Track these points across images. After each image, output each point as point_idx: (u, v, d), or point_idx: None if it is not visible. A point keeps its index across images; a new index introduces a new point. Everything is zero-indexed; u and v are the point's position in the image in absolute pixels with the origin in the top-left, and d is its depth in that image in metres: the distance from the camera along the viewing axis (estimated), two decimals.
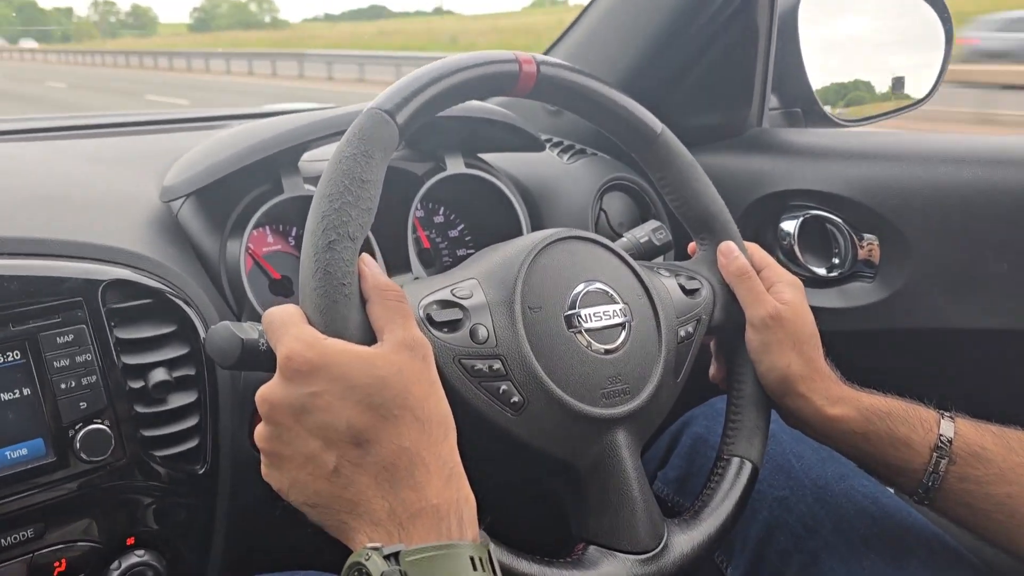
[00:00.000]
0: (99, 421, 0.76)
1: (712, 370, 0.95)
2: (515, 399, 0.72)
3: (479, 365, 0.71)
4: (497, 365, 0.71)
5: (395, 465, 0.58)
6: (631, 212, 1.22)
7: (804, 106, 1.32)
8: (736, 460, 0.86)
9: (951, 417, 0.84)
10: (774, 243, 1.17)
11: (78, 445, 0.75)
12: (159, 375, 0.80)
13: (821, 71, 1.33)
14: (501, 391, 0.71)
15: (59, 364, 0.75)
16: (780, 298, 0.87)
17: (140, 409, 0.79)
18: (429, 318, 0.70)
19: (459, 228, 1.18)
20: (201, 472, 0.82)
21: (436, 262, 1.16)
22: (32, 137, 1.17)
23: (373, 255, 1.00)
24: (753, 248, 0.92)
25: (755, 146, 1.20)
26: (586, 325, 0.76)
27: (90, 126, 1.23)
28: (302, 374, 0.59)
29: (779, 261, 1.15)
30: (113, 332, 0.79)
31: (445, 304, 0.72)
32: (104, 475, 0.77)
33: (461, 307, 0.72)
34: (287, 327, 0.62)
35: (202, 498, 0.84)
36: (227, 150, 0.91)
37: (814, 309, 1.10)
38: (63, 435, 0.75)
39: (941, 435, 0.82)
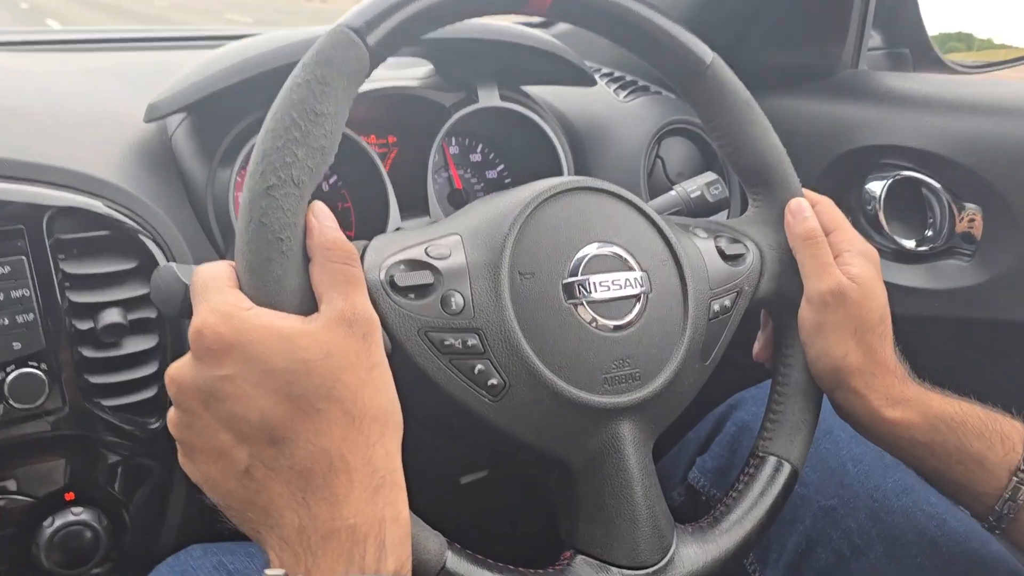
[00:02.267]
0: (34, 364, 0.68)
1: (756, 346, 0.82)
2: (493, 381, 0.60)
3: (450, 340, 0.59)
4: (473, 340, 0.60)
5: (311, 471, 0.48)
6: (693, 161, 1.07)
7: (914, 47, 1.13)
8: (772, 460, 0.73)
9: None
10: (857, 207, 1.00)
11: (6, 390, 0.68)
12: (111, 316, 0.71)
13: (940, 6, 1.13)
14: (477, 371, 0.60)
15: None
16: (848, 271, 0.72)
17: (87, 353, 0.72)
18: (391, 281, 0.59)
19: (498, 168, 1.06)
20: (155, 426, 0.74)
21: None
22: (26, 49, 1.10)
23: (385, 196, 0.90)
24: (823, 204, 0.77)
25: (846, 91, 1.03)
26: (590, 296, 0.63)
27: (93, 40, 1.15)
28: (213, 353, 0.49)
29: (859, 229, 0.99)
30: (59, 266, 0.71)
31: (414, 264, 0.61)
32: (40, 423, 0.70)
33: (433, 269, 0.61)
34: (207, 292, 0.52)
35: (157, 457, 0.76)
36: (217, 65, 0.81)
37: (895, 288, 0.95)
38: None
39: None
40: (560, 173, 1.00)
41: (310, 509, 0.47)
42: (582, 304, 0.63)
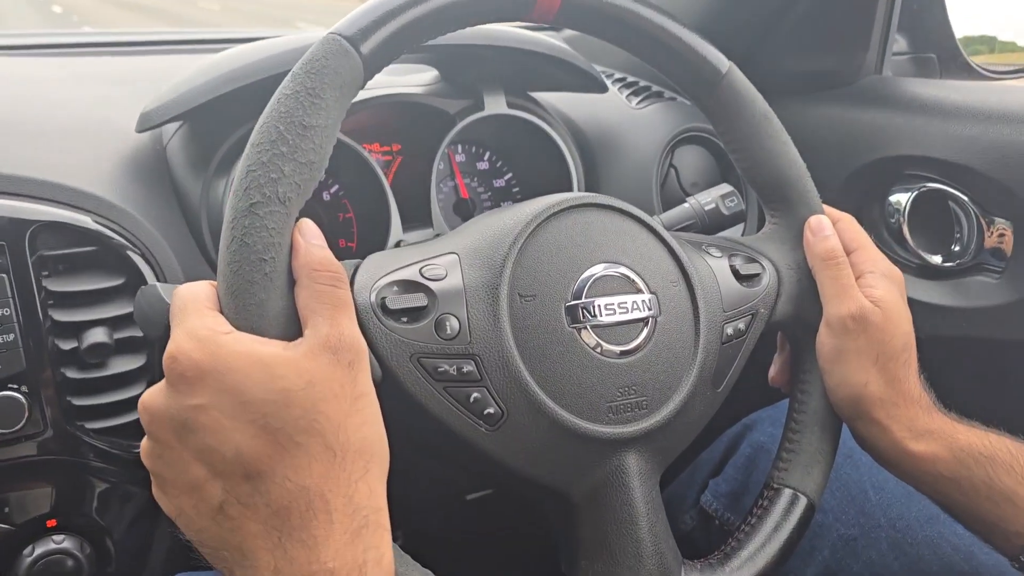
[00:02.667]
0: (14, 387, 0.66)
1: (772, 370, 0.78)
2: (490, 410, 0.57)
3: (444, 366, 0.56)
4: (469, 367, 0.56)
5: (288, 510, 0.45)
6: (709, 171, 1.03)
7: (941, 52, 1.08)
8: (788, 492, 0.69)
9: None
10: (880, 220, 0.96)
11: None
12: (96, 335, 0.68)
13: (968, 9, 1.08)
14: (472, 399, 0.56)
15: None
16: (870, 294, 0.68)
17: (70, 374, 0.69)
18: (383, 304, 0.56)
19: (506, 177, 1.03)
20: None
21: (476, 215, 1.01)
22: (17, 53, 1.08)
23: (386, 207, 0.87)
24: (845, 222, 0.73)
25: (869, 98, 0.98)
26: (595, 320, 0.60)
27: (87, 44, 1.12)
28: (187, 381, 0.46)
29: (882, 243, 0.95)
30: (43, 283, 0.68)
31: (408, 286, 0.57)
32: (22, 447, 0.67)
33: (427, 291, 0.57)
34: (185, 314, 0.49)
35: (142, 483, 0.73)
36: (210, 73, 0.78)
37: (919, 305, 0.90)
38: None
39: None
40: (569, 182, 0.96)
41: (286, 551, 0.44)
42: (586, 328, 0.59)
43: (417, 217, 0.91)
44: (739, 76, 0.69)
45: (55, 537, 0.70)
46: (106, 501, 0.74)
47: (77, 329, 0.69)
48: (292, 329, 0.50)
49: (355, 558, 0.45)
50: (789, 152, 0.71)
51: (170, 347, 0.47)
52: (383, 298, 0.56)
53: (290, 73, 0.53)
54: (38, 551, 0.70)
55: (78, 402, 0.69)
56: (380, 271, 0.58)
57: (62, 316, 0.68)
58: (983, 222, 0.88)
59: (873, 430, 0.68)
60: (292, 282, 0.51)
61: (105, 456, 0.71)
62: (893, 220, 0.94)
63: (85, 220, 0.70)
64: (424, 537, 1.25)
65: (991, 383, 0.92)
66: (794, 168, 0.72)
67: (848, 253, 0.70)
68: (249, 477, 0.45)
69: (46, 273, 0.68)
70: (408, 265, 0.59)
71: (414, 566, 0.54)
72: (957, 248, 0.91)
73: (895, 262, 0.94)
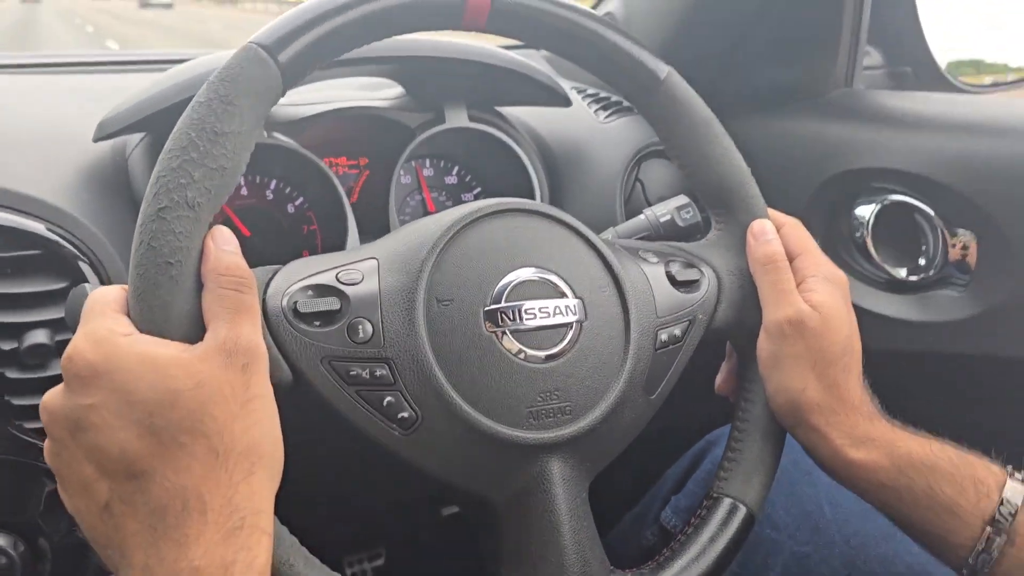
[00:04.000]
0: None
1: (719, 379, 0.77)
2: (404, 414, 0.57)
3: (356, 369, 0.56)
4: (382, 371, 0.56)
5: (166, 508, 0.45)
6: (676, 186, 1.01)
7: (916, 65, 1.07)
8: (727, 502, 0.68)
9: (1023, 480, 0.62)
10: (846, 233, 0.95)
11: None
12: (36, 337, 0.69)
13: (944, 23, 1.07)
14: (385, 403, 0.56)
15: None
16: (810, 298, 0.67)
17: (10, 374, 0.70)
18: (294, 308, 0.56)
19: (475, 191, 1.03)
20: None
21: None
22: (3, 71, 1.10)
23: (343, 218, 0.87)
24: (790, 226, 0.72)
25: (837, 110, 0.98)
26: (514, 324, 0.59)
27: (57, 64, 1.15)
28: (81, 380, 0.47)
29: (848, 257, 0.94)
30: None
31: (322, 290, 0.57)
32: None
33: (341, 295, 0.57)
34: (90, 316, 0.50)
35: None
36: (165, 83, 0.80)
37: (884, 320, 0.89)
38: None
39: (1003, 503, 0.61)
40: (532, 196, 0.96)
41: (159, 549, 0.45)
42: (506, 333, 0.59)
43: (380, 231, 0.91)
44: (678, 81, 0.69)
45: None
46: (51, 502, 0.74)
47: (18, 330, 0.70)
48: (196, 332, 0.51)
49: (224, 557, 0.45)
50: (731, 157, 0.71)
51: (68, 348, 0.48)
52: (295, 302, 0.56)
53: (206, 82, 0.54)
54: None
55: (17, 401, 0.70)
56: (296, 276, 0.58)
57: (3, 317, 0.70)
58: (947, 235, 0.86)
59: (813, 437, 0.66)
60: (200, 287, 0.52)
61: (40, 455, 0.71)
62: (858, 234, 0.93)
63: (33, 225, 0.71)
64: (409, 552, 1.25)
65: (955, 398, 0.90)
66: (737, 174, 0.71)
67: (792, 258, 0.70)
68: (132, 476, 0.46)
69: None
70: (325, 271, 0.59)
71: (321, 569, 0.54)
72: (923, 261, 0.89)
73: (860, 276, 0.93)
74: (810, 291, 0.68)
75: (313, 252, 0.94)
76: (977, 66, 1.17)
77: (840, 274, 0.70)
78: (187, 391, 0.46)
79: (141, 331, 0.49)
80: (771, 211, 0.72)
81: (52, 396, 0.49)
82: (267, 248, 0.92)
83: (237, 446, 0.47)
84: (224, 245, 0.52)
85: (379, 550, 1.21)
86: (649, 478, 0.99)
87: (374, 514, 1.12)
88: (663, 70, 0.68)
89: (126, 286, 0.53)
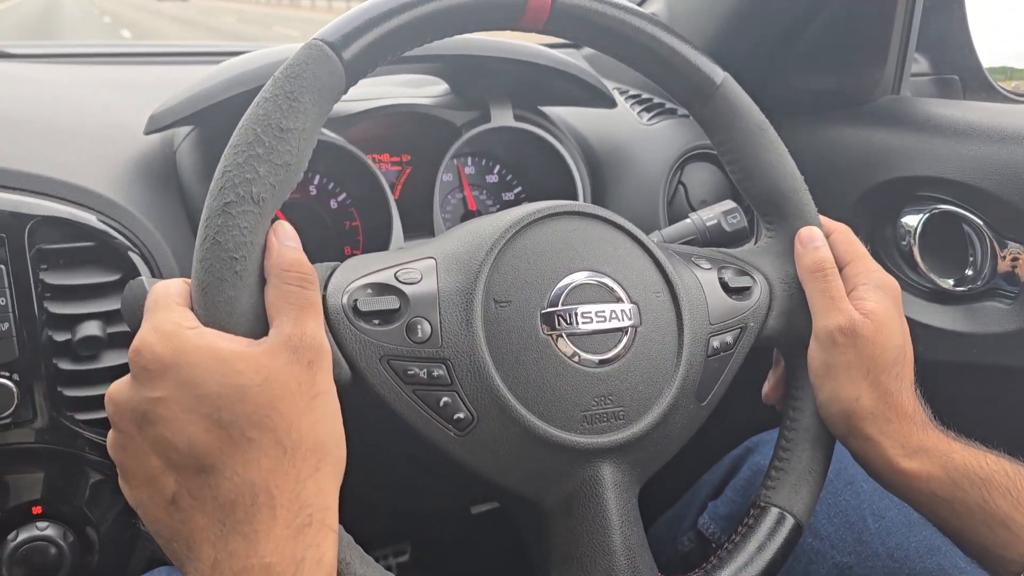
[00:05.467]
0: (5, 375, 0.67)
1: (766, 387, 0.76)
2: (460, 415, 0.56)
3: (414, 369, 0.56)
4: (439, 371, 0.56)
5: (234, 503, 0.45)
6: (719, 189, 1.01)
7: (964, 73, 1.05)
8: (774, 512, 0.67)
9: None
10: (891, 242, 0.94)
11: None
12: (89, 328, 0.70)
13: (994, 30, 1.06)
14: (442, 403, 0.56)
15: None
16: (861, 306, 0.66)
17: (63, 365, 0.70)
18: (354, 306, 0.56)
19: (516, 191, 1.03)
20: None
21: None
22: (38, 60, 1.11)
23: (387, 214, 0.87)
24: (840, 233, 0.71)
25: (884, 118, 0.96)
26: (572, 327, 0.59)
27: (108, 54, 1.15)
28: (149, 373, 0.47)
29: (894, 266, 0.93)
30: (40, 276, 0.69)
31: (381, 289, 0.57)
32: (16, 433, 0.69)
33: (400, 294, 0.57)
34: (156, 309, 0.50)
35: None
36: (216, 78, 0.80)
37: (930, 330, 0.88)
38: None
39: None
40: (575, 196, 0.96)
41: (227, 544, 0.45)
42: (562, 336, 0.59)
43: (422, 226, 0.92)
44: (734, 87, 0.68)
45: (39, 524, 0.71)
46: (96, 492, 0.75)
47: (71, 322, 0.70)
48: (259, 327, 0.51)
49: (294, 554, 0.45)
50: (785, 164, 0.70)
51: (135, 341, 0.48)
52: (355, 300, 0.56)
53: (271, 77, 0.54)
54: (22, 536, 0.71)
55: (69, 393, 0.71)
56: (355, 274, 0.58)
57: (57, 308, 0.70)
58: (996, 246, 0.85)
59: (865, 446, 0.66)
60: (263, 281, 0.52)
61: (98, 449, 0.72)
62: (904, 243, 0.92)
63: (86, 217, 0.72)
64: (434, 549, 1.25)
65: (1001, 411, 0.89)
66: (789, 180, 0.70)
67: (843, 265, 0.69)
68: (200, 470, 0.46)
69: (44, 266, 0.70)
70: (384, 269, 0.59)
71: (375, 568, 0.54)
72: (970, 272, 0.88)
73: (906, 285, 0.92)
74: (861, 299, 0.67)
75: (355, 248, 0.94)
76: (1009, 73, 1.15)
77: (892, 281, 0.69)
78: (254, 386, 0.46)
79: (205, 325, 0.50)
80: (821, 217, 0.72)
81: (119, 388, 0.49)
82: (309, 243, 0.90)
83: (304, 442, 0.47)
84: (287, 240, 0.52)
85: (404, 546, 1.21)
86: (685, 483, 0.98)
87: (403, 511, 1.12)
88: (719, 75, 0.68)
89: (188, 280, 0.53)
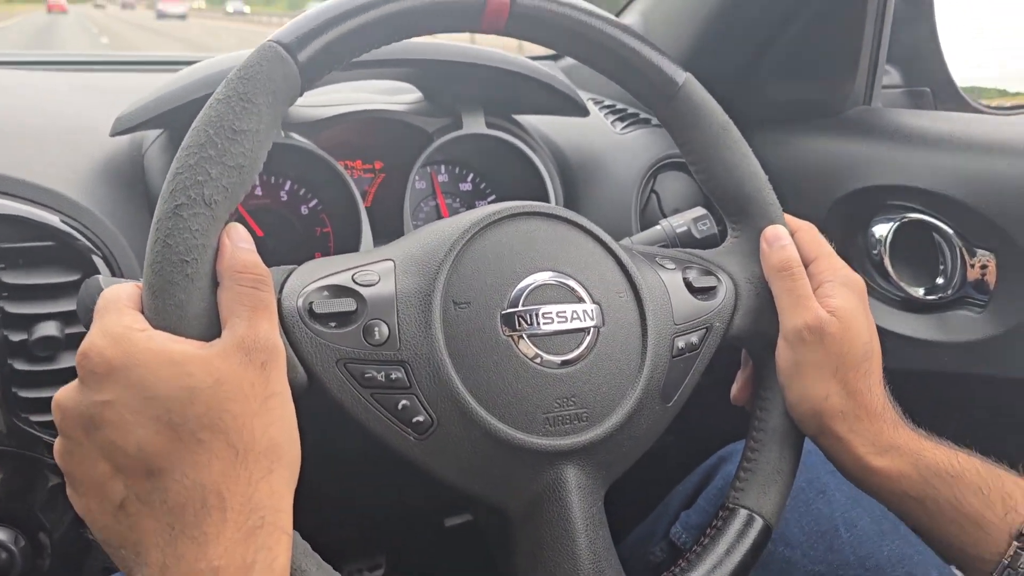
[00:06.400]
0: None
1: (734, 388, 0.75)
2: (419, 418, 0.55)
3: (371, 372, 0.55)
4: (397, 374, 0.55)
5: (184, 506, 0.44)
6: (692, 197, 1.01)
7: (935, 85, 1.06)
8: (743, 513, 0.66)
9: None
10: (863, 251, 0.94)
11: None
12: (46, 328, 0.69)
13: (963, 44, 1.07)
14: (401, 407, 0.55)
15: None
16: (828, 303, 0.66)
17: (18, 366, 0.69)
18: (310, 309, 0.55)
19: (489, 199, 1.02)
20: None
21: None
22: (27, 67, 1.11)
23: (357, 221, 0.87)
24: (805, 231, 0.71)
25: (856, 128, 0.97)
26: (533, 328, 0.58)
27: (98, 62, 1.15)
28: (96, 377, 0.46)
29: (865, 274, 0.93)
30: None
31: (338, 291, 0.56)
32: None
33: (357, 296, 0.56)
34: (105, 312, 0.49)
35: None
36: (182, 81, 0.79)
37: (901, 339, 0.88)
38: None
39: None
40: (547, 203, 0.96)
41: (176, 548, 0.43)
42: (523, 337, 0.58)
43: (394, 234, 0.91)
44: (696, 87, 0.68)
45: None
46: (53, 497, 0.73)
47: (28, 322, 0.69)
48: (212, 330, 0.50)
49: (244, 557, 0.44)
50: (749, 164, 0.70)
51: (84, 344, 0.47)
52: (311, 303, 0.55)
53: (225, 79, 0.53)
54: None
55: (24, 394, 0.69)
56: (312, 276, 0.57)
57: (14, 308, 0.69)
58: (966, 254, 0.86)
59: (836, 445, 0.65)
60: (215, 284, 0.51)
61: (47, 449, 0.71)
62: (875, 251, 0.92)
63: (47, 217, 0.71)
64: (409, 563, 1.24)
65: (972, 419, 0.89)
66: (754, 180, 0.70)
67: (807, 262, 0.69)
68: (150, 473, 0.45)
69: (2, 265, 0.69)
70: (341, 271, 0.58)
71: (325, 569, 0.53)
72: (940, 280, 0.88)
73: (877, 295, 0.92)
74: (827, 296, 0.66)
75: (326, 254, 0.93)
76: (990, 95, 1.17)
77: (856, 278, 0.69)
78: (206, 388, 0.45)
79: (156, 328, 0.48)
80: (786, 216, 0.72)
81: (66, 393, 0.48)
82: (280, 249, 0.91)
83: (257, 444, 0.46)
84: (240, 242, 0.51)
85: (379, 560, 1.20)
86: (658, 493, 0.97)
87: (375, 522, 1.11)
88: (681, 76, 0.68)
89: (139, 283, 0.52)
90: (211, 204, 0.50)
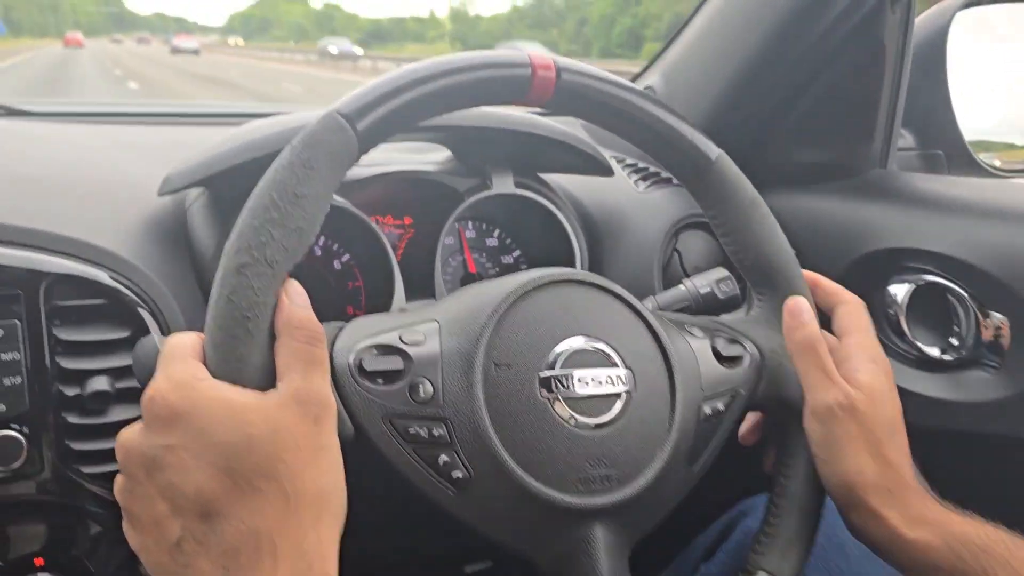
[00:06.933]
0: (15, 427, 0.69)
1: (743, 428, 0.77)
2: (458, 474, 0.58)
3: (415, 428, 0.58)
4: (440, 430, 0.58)
5: (238, 550, 0.47)
6: (712, 256, 1.04)
7: (948, 148, 1.10)
8: None
9: None
10: (879, 311, 0.96)
11: None
12: (98, 384, 0.72)
13: (976, 108, 1.10)
14: (441, 462, 0.58)
15: None
16: (854, 378, 0.68)
17: (72, 419, 0.72)
18: (360, 366, 0.58)
19: (514, 254, 1.06)
20: None
21: None
22: (68, 119, 1.15)
23: (389, 276, 0.90)
24: (851, 306, 0.73)
25: (872, 191, 1.00)
26: (568, 392, 0.61)
27: (125, 114, 1.20)
28: (161, 421, 0.50)
29: (881, 333, 0.95)
30: (53, 332, 0.72)
31: (386, 349, 0.60)
32: (18, 486, 0.70)
33: (404, 355, 0.60)
34: (170, 360, 0.53)
35: None
36: (230, 144, 0.83)
37: (916, 397, 0.91)
38: None
39: None
40: (572, 261, 0.99)
41: None
42: (559, 399, 0.61)
43: (423, 289, 0.94)
44: (728, 163, 0.72)
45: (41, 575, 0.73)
46: (96, 544, 0.76)
47: (81, 376, 0.72)
48: (268, 382, 0.53)
49: None
50: (776, 238, 0.73)
51: (149, 389, 0.51)
52: (361, 359, 0.58)
53: (288, 145, 0.57)
54: None
55: (77, 446, 0.72)
56: (361, 334, 0.61)
57: (68, 363, 0.72)
58: (980, 316, 0.88)
59: (868, 519, 0.66)
60: (273, 338, 0.54)
61: (99, 501, 0.73)
62: (891, 311, 0.95)
63: (99, 275, 0.74)
64: None
65: (988, 478, 0.91)
66: (781, 254, 0.73)
67: (842, 336, 0.71)
68: (206, 516, 0.48)
69: (57, 322, 0.72)
70: (389, 330, 0.61)
71: None
72: (955, 341, 0.91)
73: (893, 353, 0.95)
74: (855, 371, 0.69)
75: (357, 308, 0.96)
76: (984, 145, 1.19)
77: (883, 357, 0.71)
78: (263, 436, 0.49)
79: (217, 378, 0.52)
80: (835, 287, 0.74)
81: (130, 434, 0.51)
82: (312, 303, 0.94)
83: (308, 493, 0.49)
84: (297, 299, 0.55)
85: None
86: (679, 544, 0.99)
87: (397, 568, 1.12)
88: (714, 152, 0.71)
89: (200, 334, 0.55)
90: (272, 264, 0.54)
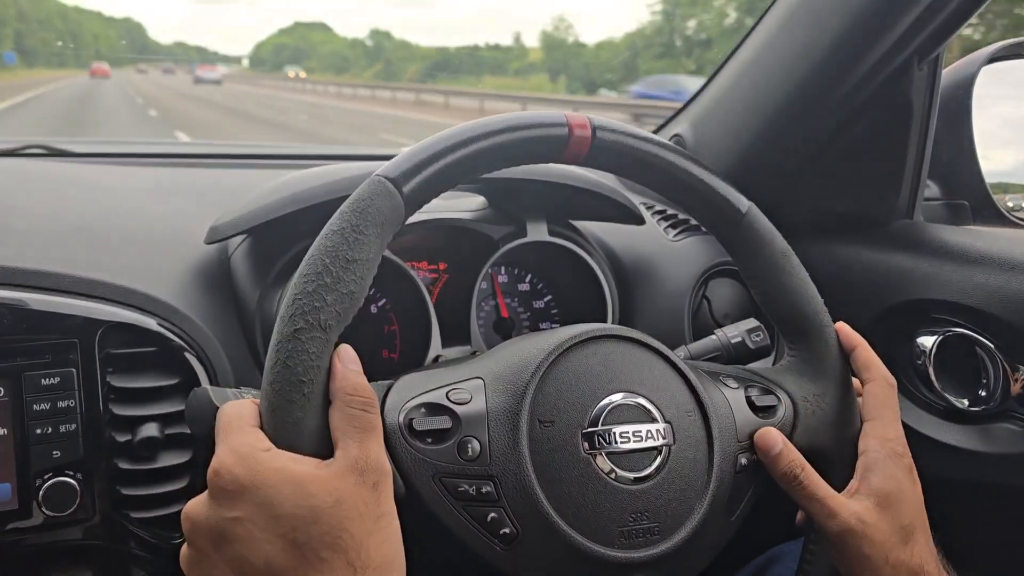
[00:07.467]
0: (69, 473, 0.71)
1: (801, 515, 0.78)
2: (506, 530, 0.60)
3: (464, 486, 0.60)
4: (487, 488, 0.60)
5: None
6: (741, 304, 1.06)
7: (973, 199, 1.11)
8: None
9: None
10: (907, 362, 0.97)
11: (41, 496, 0.70)
12: (149, 430, 0.74)
13: (1001, 159, 1.12)
14: (489, 519, 0.60)
15: (38, 408, 0.71)
16: (866, 486, 0.68)
17: (123, 465, 0.74)
18: (410, 425, 0.60)
19: (545, 299, 1.08)
20: (178, 541, 0.76)
21: (515, 334, 1.06)
22: (112, 160, 1.19)
23: (428, 323, 0.92)
24: (877, 384, 0.73)
25: (899, 242, 1.02)
26: (611, 447, 0.63)
27: (170, 155, 1.23)
28: (227, 494, 0.51)
29: (910, 384, 0.96)
30: (106, 379, 0.74)
31: (434, 409, 0.62)
32: (70, 531, 0.72)
33: (452, 414, 0.62)
34: (229, 431, 0.54)
35: (178, 574, 0.77)
36: (275, 195, 0.86)
37: (945, 447, 0.91)
38: (29, 483, 0.71)
39: None
40: (604, 308, 1.01)
41: None
42: (601, 454, 0.63)
43: (457, 334, 0.96)
44: (758, 216, 0.73)
45: None
46: None
47: (133, 423, 0.75)
48: (324, 447, 0.55)
49: None
50: (806, 289, 0.75)
51: (214, 462, 0.52)
52: (411, 419, 0.60)
53: (338, 211, 0.59)
54: None
55: (127, 491, 0.74)
56: (410, 393, 0.63)
57: (121, 410, 0.74)
58: (1008, 369, 0.89)
59: None
60: (327, 402, 0.56)
61: (145, 545, 0.75)
62: (920, 362, 0.96)
63: (150, 323, 0.77)
64: None
65: (1016, 531, 0.91)
66: (811, 304, 0.74)
67: (865, 420, 0.72)
68: None
69: (111, 370, 0.75)
70: (436, 389, 0.63)
71: None
72: (983, 393, 0.92)
73: (921, 403, 0.96)
74: (869, 473, 0.69)
75: (392, 352, 0.99)
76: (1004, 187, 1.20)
77: (904, 445, 0.71)
78: (326, 507, 0.50)
79: (275, 444, 0.54)
80: (870, 358, 0.74)
81: (196, 506, 0.53)
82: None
83: (372, 562, 0.50)
84: (349, 364, 0.57)
85: None
86: None
87: None
88: (745, 204, 0.73)
89: (255, 400, 0.57)
90: (326, 328, 0.56)
